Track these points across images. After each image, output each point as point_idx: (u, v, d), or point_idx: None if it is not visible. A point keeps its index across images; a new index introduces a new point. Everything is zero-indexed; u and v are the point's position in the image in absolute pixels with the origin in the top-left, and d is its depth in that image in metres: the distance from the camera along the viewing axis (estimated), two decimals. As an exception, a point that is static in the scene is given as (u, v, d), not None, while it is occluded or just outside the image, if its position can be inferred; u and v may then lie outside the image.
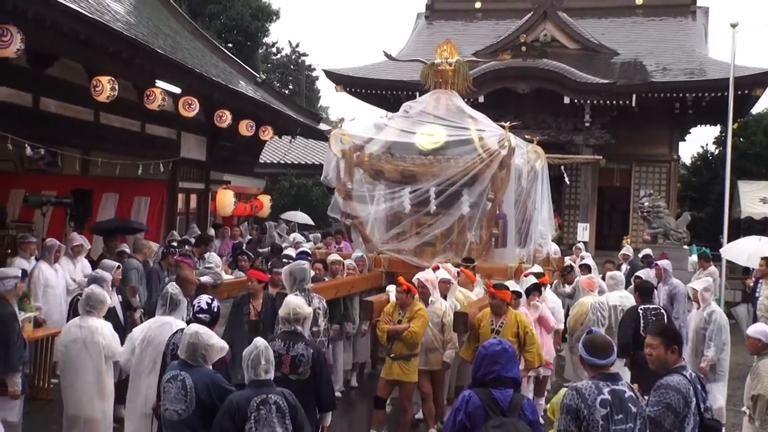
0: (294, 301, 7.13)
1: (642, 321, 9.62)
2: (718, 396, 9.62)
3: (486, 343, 5.40)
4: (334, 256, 12.19)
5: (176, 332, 6.87)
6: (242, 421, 5.50)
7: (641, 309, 9.79)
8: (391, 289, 10.21)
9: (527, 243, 13.38)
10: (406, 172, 12.97)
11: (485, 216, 12.68)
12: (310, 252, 12.75)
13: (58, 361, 8.02)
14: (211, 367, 5.99)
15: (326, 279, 11.57)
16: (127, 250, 12.06)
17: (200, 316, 6.59)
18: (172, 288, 7.56)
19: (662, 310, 9.92)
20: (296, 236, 18.13)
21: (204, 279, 10.54)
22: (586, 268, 13.45)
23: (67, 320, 8.80)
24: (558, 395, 5.95)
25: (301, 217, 24.49)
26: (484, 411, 5.09)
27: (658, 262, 13.97)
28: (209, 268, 10.88)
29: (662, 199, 23.05)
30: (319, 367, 6.88)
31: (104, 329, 7.74)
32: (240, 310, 9.24)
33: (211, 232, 18.05)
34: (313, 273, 11.22)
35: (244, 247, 15.69)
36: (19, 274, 8.34)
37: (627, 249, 17.52)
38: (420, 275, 9.80)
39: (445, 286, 10.14)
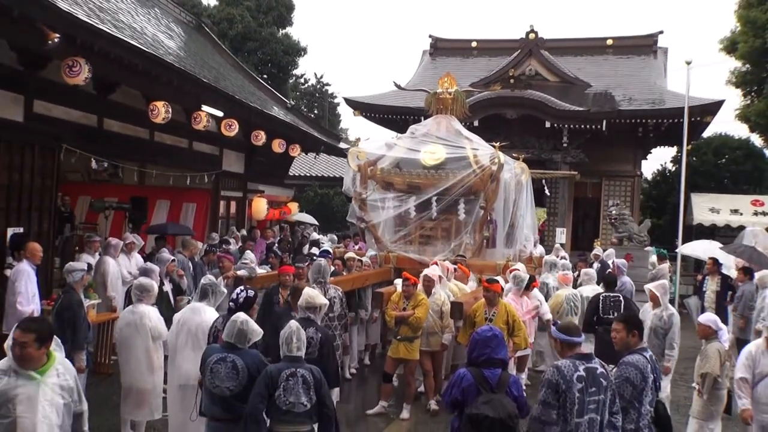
0: (309, 293, 7.08)
1: (601, 305, 10.03)
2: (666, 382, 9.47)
3: (479, 329, 5.47)
4: (350, 254, 12.17)
5: (218, 318, 6.80)
6: (274, 389, 5.50)
7: (602, 296, 10.17)
8: (398, 282, 10.19)
9: (513, 244, 13.35)
10: (412, 183, 12.97)
11: (478, 221, 12.66)
12: (331, 251, 12.68)
13: (115, 341, 7.96)
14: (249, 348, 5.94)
15: (344, 273, 11.54)
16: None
17: (232, 304, 6.60)
18: (204, 280, 7.54)
19: (620, 297, 10.09)
20: (319, 237, 18.07)
21: (241, 272, 10.49)
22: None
23: (124, 307, 8.79)
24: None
25: (307, 217, 24.15)
26: (475, 387, 5.18)
27: (615, 260, 13.94)
28: (245, 263, 10.82)
29: (627, 208, 22.84)
30: (326, 350, 6.83)
31: (151, 314, 7.70)
32: (271, 299, 9.18)
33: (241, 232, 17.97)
34: (332, 268, 11.24)
35: (275, 247, 15.62)
36: (85, 267, 8.31)
37: (597, 250, 17.40)
38: (426, 271, 9.76)
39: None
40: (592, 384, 5.13)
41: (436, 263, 10.57)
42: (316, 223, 24.53)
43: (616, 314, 9.26)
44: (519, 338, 9.05)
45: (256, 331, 5.91)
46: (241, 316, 5.95)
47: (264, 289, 9.53)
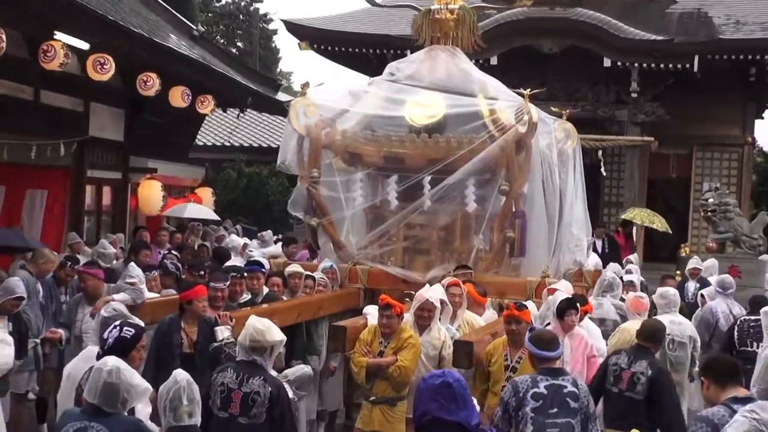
0: (256, 325, 7.25)
1: (737, 333, 11.18)
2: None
3: (426, 375, 5.52)
4: (293, 268, 12.10)
5: (87, 371, 6.81)
6: None
7: (741, 320, 11.58)
8: (371, 311, 10.15)
9: (554, 251, 13.38)
10: (392, 155, 12.99)
11: (497, 214, 12.70)
12: (265, 263, 12.66)
13: None
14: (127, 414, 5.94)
15: (284, 297, 11.52)
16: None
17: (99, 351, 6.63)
18: (106, 311, 7.62)
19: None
20: (236, 239, 18.04)
21: (119, 297, 10.44)
22: (631, 285, 13.43)
23: None
24: None
25: (202, 212, 22.46)
26: None
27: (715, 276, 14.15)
28: (131, 282, 10.78)
29: (732, 195, 23.06)
30: (279, 413, 6.98)
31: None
32: (168, 339, 9.18)
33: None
34: (266, 290, 11.28)
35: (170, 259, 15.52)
36: None
37: (695, 261, 17.49)
38: (424, 294, 9.79)
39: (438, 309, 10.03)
40: (553, 404, 5.88)
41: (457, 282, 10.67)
42: (216, 216, 23.74)
43: (759, 345, 9.93)
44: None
45: (138, 387, 5.90)
46: (110, 362, 5.93)
47: (156, 323, 9.54)
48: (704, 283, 15.58)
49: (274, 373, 7.37)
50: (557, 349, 6.20)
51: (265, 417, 6.92)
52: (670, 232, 22.61)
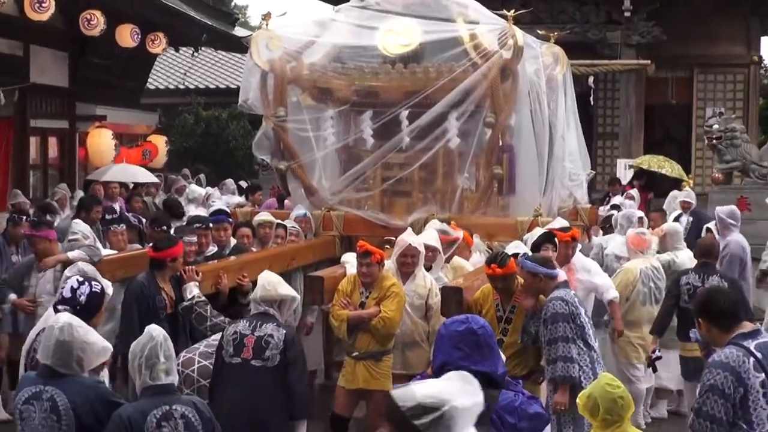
0: (266, 277, 7.73)
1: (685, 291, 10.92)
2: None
3: (448, 320, 5.64)
4: (262, 217, 12.20)
5: (39, 333, 6.84)
6: None
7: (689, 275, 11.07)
8: (349, 259, 10.21)
9: (547, 188, 13.37)
10: (365, 89, 13.00)
11: (483, 150, 12.71)
12: (228, 210, 12.67)
13: None
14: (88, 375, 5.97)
15: (254, 249, 11.57)
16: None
17: (61, 308, 6.58)
18: (71, 271, 7.77)
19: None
20: (197, 189, 18.04)
21: (74, 255, 10.43)
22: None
23: None
24: (588, 388, 6.29)
25: (134, 173, 20.95)
26: None
27: (718, 210, 14.17)
28: (76, 239, 10.77)
29: (738, 120, 23.06)
30: (293, 355, 7.42)
31: None
32: (153, 301, 9.26)
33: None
34: (234, 242, 11.37)
35: (130, 215, 15.48)
36: None
37: (688, 194, 17.59)
38: (407, 239, 9.84)
39: (429, 256, 10.13)
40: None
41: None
42: (154, 179, 23.17)
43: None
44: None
45: (95, 346, 5.93)
46: (62, 319, 5.96)
47: (119, 283, 9.56)
48: (699, 218, 15.68)
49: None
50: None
51: (279, 360, 7.26)
52: (686, 178, 22.63)
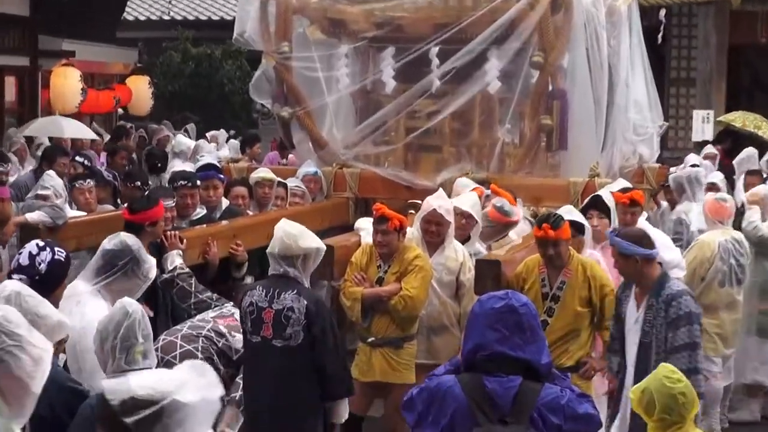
0: (284, 228, 7.77)
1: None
2: None
3: (484, 296, 5.56)
4: (261, 173, 12.06)
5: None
6: None
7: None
8: (365, 225, 10.19)
9: (606, 142, 13.33)
10: (387, 21, 12.93)
11: (529, 96, 12.68)
12: (219, 165, 12.59)
13: None
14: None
15: (250, 212, 11.52)
16: None
17: (16, 277, 6.56)
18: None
19: None
20: (185, 141, 18.05)
21: (34, 218, 10.39)
22: (710, 186, 13.43)
23: None
24: (644, 381, 6.18)
25: (74, 129, 20.35)
26: (469, 413, 5.24)
27: None
28: (44, 196, 10.70)
29: None
30: (320, 329, 7.59)
31: None
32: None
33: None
34: (226, 203, 11.23)
35: (104, 168, 15.50)
36: None
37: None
38: (433, 202, 9.78)
39: (463, 225, 10.14)
40: None
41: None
42: (91, 136, 22.63)
43: None
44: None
45: (48, 319, 5.79)
46: (9, 286, 5.91)
47: (87, 251, 9.50)
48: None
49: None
50: None
51: (302, 338, 7.42)
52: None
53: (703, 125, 23.41)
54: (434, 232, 9.66)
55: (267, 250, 7.81)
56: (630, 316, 8.44)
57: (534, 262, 9.22)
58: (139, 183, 11.87)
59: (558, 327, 8.93)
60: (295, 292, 7.54)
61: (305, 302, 7.49)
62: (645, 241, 8.30)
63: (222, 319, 8.18)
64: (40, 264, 6.69)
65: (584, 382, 8.84)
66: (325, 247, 8.07)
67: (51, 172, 11.88)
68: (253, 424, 7.91)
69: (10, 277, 6.65)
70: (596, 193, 10.60)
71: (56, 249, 6.87)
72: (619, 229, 8.88)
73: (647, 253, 8.23)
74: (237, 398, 7.96)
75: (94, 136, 21.11)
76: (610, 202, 10.33)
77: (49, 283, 6.61)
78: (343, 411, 7.80)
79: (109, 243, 7.36)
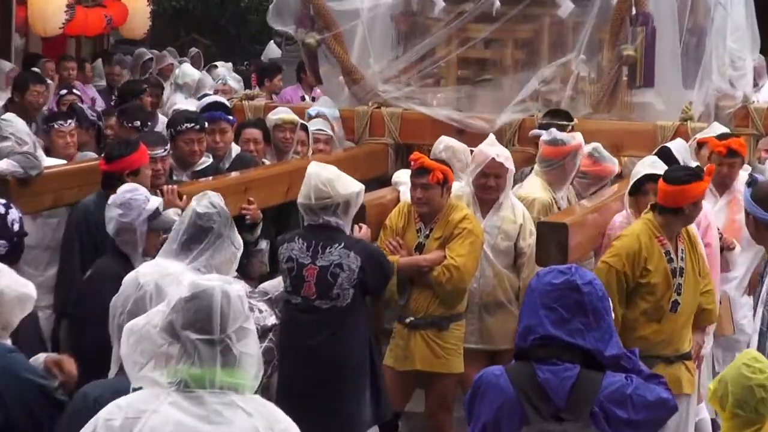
0: (318, 173, 7.92)
1: None
2: None
3: (543, 270, 5.65)
4: (281, 114, 12.05)
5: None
6: None
7: None
8: (404, 178, 10.23)
9: (702, 79, 13.32)
10: None
11: (607, 21, 12.74)
12: (227, 103, 12.66)
13: None
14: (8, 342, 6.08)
15: (266, 161, 11.65)
16: None
17: None
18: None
19: None
20: (191, 71, 18.18)
21: (2, 167, 10.50)
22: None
23: None
24: (723, 371, 6.09)
25: None
26: (519, 408, 5.29)
27: None
28: (6, 137, 10.79)
29: None
30: (374, 286, 7.97)
31: None
32: (92, 237, 9.28)
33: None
34: (236, 149, 11.34)
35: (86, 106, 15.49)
36: None
37: None
38: (490, 149, 9.88)
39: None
40: None
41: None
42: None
43: None
44: (709, 299, 9.25)
45: (8, 292, 6.01)
46: None
47: (67, 208, 9.87)
48: None
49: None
50: None
51: (351, 296, 7.62)
52: None
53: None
54: (492, 187, 9.71)
55: (299, 200, 7.98)
56: None
57: (645, 233, 8.94)
58: (138, 123, 11.96)
59: (687, 303, 8.89)
60: (342, 245, 7.73)
61: (356, 256, 7.69)
62: None
63: None
64: (13, 224, 6.89)
65: (691, 369, 8.94)
66: (364, 188, 8.23)
67: (9, 116, 11.78)
68: (290, 396, 7.90)
69: None
70: (665, 144, 10.64)
71: (10, 212, 7.03)
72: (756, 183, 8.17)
73: None
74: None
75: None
76: (680, 154, 10.35)
77: (19, 248, 6.79)
78: None
79: (199, 205, 7.19)
